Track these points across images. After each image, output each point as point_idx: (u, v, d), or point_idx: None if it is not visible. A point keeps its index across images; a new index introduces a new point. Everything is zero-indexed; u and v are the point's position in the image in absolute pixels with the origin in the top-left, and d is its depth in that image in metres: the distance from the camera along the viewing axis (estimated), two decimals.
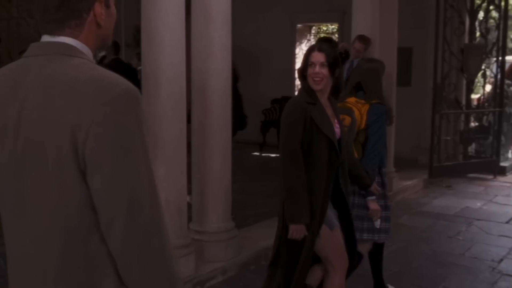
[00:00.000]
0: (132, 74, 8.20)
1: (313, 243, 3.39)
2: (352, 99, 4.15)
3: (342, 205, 3.57)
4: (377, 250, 4.42)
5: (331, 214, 3.50)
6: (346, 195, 3.55)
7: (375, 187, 4.01)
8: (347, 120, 3.93)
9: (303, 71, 3.47)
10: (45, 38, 1.52)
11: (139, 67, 6.83)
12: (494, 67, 9.65)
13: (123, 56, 10.85)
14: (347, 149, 3.63)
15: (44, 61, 1.47)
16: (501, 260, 5.53)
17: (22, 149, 1.44)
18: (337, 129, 3.49)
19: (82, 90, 1.39)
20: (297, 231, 3.33)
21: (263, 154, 10.97)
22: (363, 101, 4.12)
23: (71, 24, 1.50)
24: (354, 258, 3.66)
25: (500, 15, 9.37)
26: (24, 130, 1.43)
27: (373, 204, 4.03)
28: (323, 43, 3.50)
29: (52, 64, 1.46)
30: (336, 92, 3.55)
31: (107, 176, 1.37)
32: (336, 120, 3.51)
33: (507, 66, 9.79)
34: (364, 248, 4.18)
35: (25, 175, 1.44)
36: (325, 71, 3.38)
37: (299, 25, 11.86)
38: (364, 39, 7.20)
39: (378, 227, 4.13)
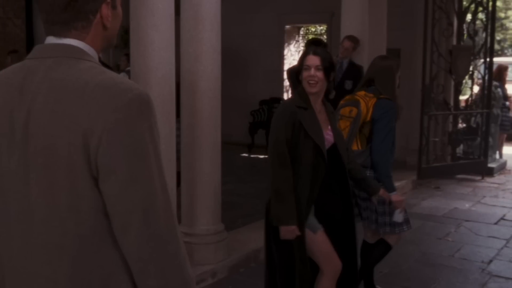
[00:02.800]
0: None
1: (301, 243, 3.39)
2: (361, 93, 4.23)
3: (341, 211, 3.60)
4: (369, 249, 4.45)
5: (313, 218, 3.50)
6: (345, 202, 3.57)
7: (383, 192, 3.98)
8: (354, 111, 4.12)
9: (297, 74, 3.50)
10: (51, 39, 1.48)
11: (128, 68, 6.78)
12: (481, 69, 9.69)
13: (111, 57, 10.79)
14: (347, 153, 3.66)
15: (52, 64, 1.44)
16: (491, 261, 5.54)
17: (31, 154, 1.41)
18: (328, 135, 3.50)
19: (93, 95, 1.37)
20: (288, 232, 3.34)
21: (251, 156, 10.93)
22: (371, 95, 4.16)
23: (78, 26, 1.47)
24: (353, 264, 3.65)
25: (487, 17, 9.41)
26: (33, 135, 1.40)
27: (395, 196, 4.10)
28: (318, 47, 3.51)
29: (60, 67, 1.43)
30: (325, 95, 3.56)
31: (121, 182, 1.36)
32: (329, 127, 3.54)
33: (494, 67, 9.87)
34: (391, 240, 4.34)
35: (34, 181, 1.41)
36: (320, 74, 3.40)
37: (287, 26, 11.85)
38: (353, 38, 7.20)
39: (400, 220, 4.18)
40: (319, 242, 3.47)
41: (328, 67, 3.43)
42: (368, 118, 4.13)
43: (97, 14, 1.48)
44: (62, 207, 1.40)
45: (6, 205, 1.47)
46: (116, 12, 1.55)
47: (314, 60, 3.42)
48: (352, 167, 3.75)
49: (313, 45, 3.54)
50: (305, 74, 3.43)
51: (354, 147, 4.15)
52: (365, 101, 4.15)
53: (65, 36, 1.47)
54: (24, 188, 1.43)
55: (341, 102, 4.34)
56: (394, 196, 4.08)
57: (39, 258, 1.44)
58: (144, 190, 1.38)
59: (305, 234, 3.39)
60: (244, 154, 10.99)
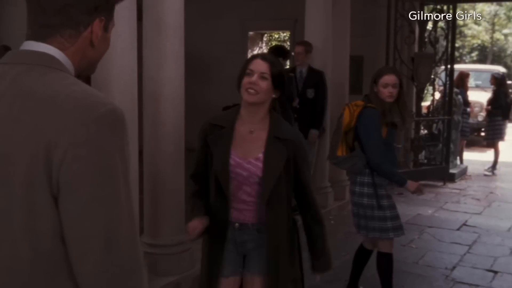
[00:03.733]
0: None
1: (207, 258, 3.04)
2: (358, 101, 4.39)
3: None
4: (366, 255, 4.64)
5: (229, 259, 3.01)
6: (275, 241, 2.94)
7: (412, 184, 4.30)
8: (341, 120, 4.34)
9: (239, 79, 2.91)
10: (27, 45, 1.39)
11: None
12: (442, 76, 9.81)
13: None
14: (285, 188, 2.93)
15: (22, 70, 1.34)
16: (454, 267, 5.59)
17: None
18: (250, 165, 2.88)
19: (62, 106, 1.26)
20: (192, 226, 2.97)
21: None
22: (361, 103, 4.32)
23: (65, 34, 1.38)
24: None
25: (448, 25, 9.54)
26: None
27: (410, 185, 4.32)
28: (272, 55, 3.14)
29: (30, 74, 1.33)
30: (289, 102, 3.36)
31: (83, 203, 1.24)
32: (261, 154, 2.86)
33: (455, 74, 10.01)
34: (385, 247, 4.47)
35: None
36: (264, 84, 2.82)
37: (250, 33, 11.82)
38: (304, 43, 7.19)
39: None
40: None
41: (277, 78, 2.86)
42: (352, 125, 4.32)
43: (88, 28, 1.41)
44: (16, 226, 1.27)
45: None
46: (106, 35, 1.48)
47: (260, 66, 2.85)
48: (309, 221, 3.08)
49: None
50: (245, 80, 2.85)
51: (339, 153, 4.38)
52: (351, 109, 4.35)
53: (47, 42, 1.37)
54: None
55: None
56: (409, 186, 4.31)
57: None
58: (108, 215, 1.26)
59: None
60: None
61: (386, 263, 4.51)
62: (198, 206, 3.04)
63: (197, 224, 2.93)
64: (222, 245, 2.99)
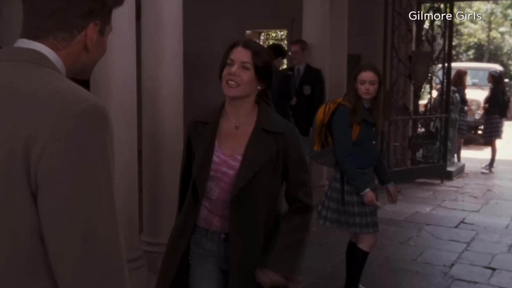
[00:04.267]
0: None
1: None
2: (339, 99, 4.51)
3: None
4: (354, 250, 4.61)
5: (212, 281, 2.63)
6: (238, 255, 2.50)
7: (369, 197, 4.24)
8: None
9: (220, 70, 2.58)
10: (19, 43, 1.38)
11: None
12: (440, 74, 9.83)
13: None
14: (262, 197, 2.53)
15: (8, 67, 1.33)
16: (452, 265, 5.59)
17: None
18: (227, 165, 2.52)
19: (42, 101, 1.24)
20: None
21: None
22: (339, 100, 4.43)
23: (58, 37, 1.37)
24: None
25: (445, 24, 9.55)
26: None
27: (365, 197, 4.26)
28: (255, 41, 2.74)
29: (15, 70, 1.31)
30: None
31: (61, 200, 1.21)
32: (242, 152, 2.51)
33: (453, 72, 10.03)
34: (364, 245, 4.46)
35: None
36: (246, 75, 2.48)
37: (248, 31, 11.82)
38: (298, 41, 7.21)
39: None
40: None
41: (261, 68, 2.50)
42: (325, 121, 4.44)
43: (82, 32, 1.39)
44: None
45: None
46: (102, 39, 1.46)
47: (241, 55, 2.50)
48: (284, 227, 2.57)
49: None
50: (225, 71, 2.52)
51: (315, 148, 4.50)
52: (327, 106, 4.48)
53: (39, 41, 1.36)
54: None
55: None
56: (365, 196, 4.27)
57: None
58: (87, 213, 1.22)
59: None
60: None
61: (359, 259, 4.54)
62: (176, 255, 2.63)
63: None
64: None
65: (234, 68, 2.48)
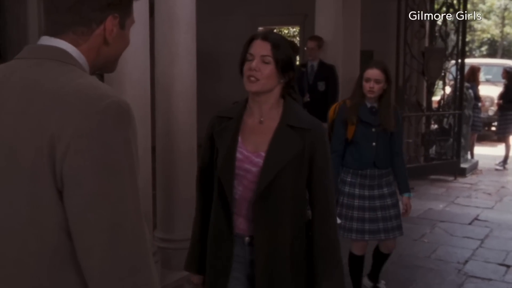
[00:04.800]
0: None
1: None
2: None
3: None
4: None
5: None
6: (263, 258, 2.39)
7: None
8: None
9: (240, 65, 2.48)
10: (43, 40, 1.39)
11: None
12: (453, 70, 9.77)
13: None
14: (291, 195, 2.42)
15: (33, 64, 1.34)
16: (466, 261, 5.57)
17: None
18: (258, 157, 2.40)
19: (66, 99, 1.25)
20: (192, 281, 2.71)
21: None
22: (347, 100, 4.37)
23: (77, 31, 1.37)
24: None
25: (458, 19, 9.49)
26: (1, 136, 1.28)
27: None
28: (274, 33, 2.53)
29: (40, 68, 1.32)
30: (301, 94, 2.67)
31: (87, 198, 1.22)
32: (266, 148, 2.39)
33: (466, 69, 9.97)
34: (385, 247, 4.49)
35: None
36: (266, 69, 2.38)
37: (260, 28, 11.80)
38: (315, 37, 7.21)
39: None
40: None
41: (282, 60, 2.39)
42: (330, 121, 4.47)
43: (101, 25, 1.39)
44: (22, 220, 1.26)
45: None
46: (123, 32, 1.45)
47: (260, 48, 2.39)
48: (318, 231, 2.45)
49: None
50: (246, 66, 2.42)
51: None
52: (337, 104, 4.50)
53: (61, 38, 1.37)
54: None
55: None
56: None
57: None
58: (113, 209, 1.23)
59: None
60: None
61: (353, 264, 4.50)
62: (196, 246, 2.62)
63: (199, 281, 2.65)
64: (226, 273, 2.46)
65: (254, 63, 2.38)
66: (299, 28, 12.03)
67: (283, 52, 2.40)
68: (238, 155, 2.43)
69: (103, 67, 1.49)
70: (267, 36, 2.41)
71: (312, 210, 2.49)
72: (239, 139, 2.46)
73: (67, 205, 1.24)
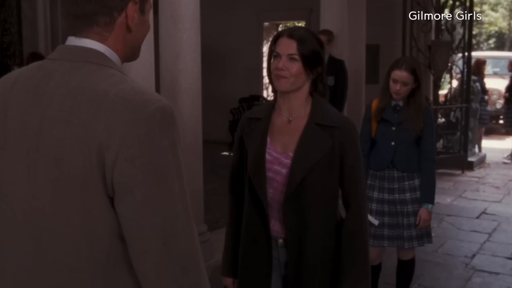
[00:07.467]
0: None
1: None
2: None
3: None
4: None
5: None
6: (296, 258, 2.41)
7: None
8: None
9: (268, 64, 2.50)
10: (71, 40, 1.37)
11: None
12: (460, 63, 9.72)
13: None
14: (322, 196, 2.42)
15: (70, 68, 1.33)
16: (474, 255, 5.56)
17: (43, 165, 1.28)
18: (287, 158, 2.39)
19: (111, 106, 1.25)
20: (225, 284, 2.72)
21: (232, 154, 10.85)
22: None
23: (100, 22, 1.35)
24: None
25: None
26: (46, 145, 1.28)
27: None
28: (300, 29, 2.53)
29: (78, 72, 1.31)
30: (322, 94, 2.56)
31: (138, 204, 1.24)
32: (294, 148, 2.38)
33: (472, 62, 9.91)
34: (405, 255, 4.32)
35: (44, 194, 1.29)
36: (294, 67, 2.35)
37: (266, 23, 11.80)
38: (325, 31, 7.15)
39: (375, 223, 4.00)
40: None
41: (309, 57, 2.37)
42: None
43: (122, 13, 1.37)
44: (75, 227, 1.28)
45: (13, 213, 1.34)
46: (143, 18, 1.43)
47: (287, 46, 2.36)
48: (347, 235, 2.42)
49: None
50: (273, 65, 2.40)
51: None
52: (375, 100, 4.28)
53: (86, 36, 1.36)
54: (34, 201, 1.31)
55: None
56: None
57: (49, 280, 1.32)
58: (164, 213, 1.26)
59: None
60: (225, 153, 10.91)
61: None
62: (230, 247, 2.65)
63: (232, 285, 2.68)
64: (267, 278, 2.47)
65: (280, 63, 2.36)
66: (304, 23, 11.99)
67: (309, 48, 2.37)
68: (268, 157, 2.42)
69: (130, 55, 1.48)
70: (293, 34, 2.39)
71: (346, 210, 2.47)
72: (268, 140, 2.45)
73: (119, 211, 1.27)
